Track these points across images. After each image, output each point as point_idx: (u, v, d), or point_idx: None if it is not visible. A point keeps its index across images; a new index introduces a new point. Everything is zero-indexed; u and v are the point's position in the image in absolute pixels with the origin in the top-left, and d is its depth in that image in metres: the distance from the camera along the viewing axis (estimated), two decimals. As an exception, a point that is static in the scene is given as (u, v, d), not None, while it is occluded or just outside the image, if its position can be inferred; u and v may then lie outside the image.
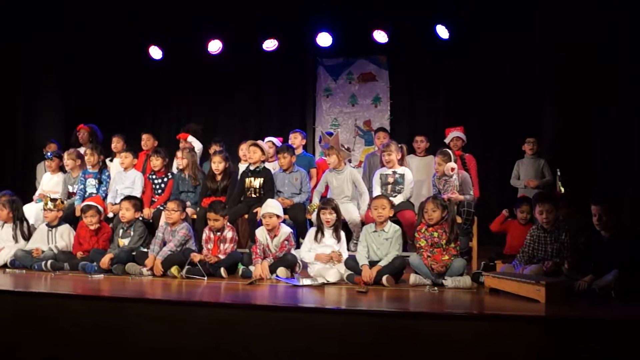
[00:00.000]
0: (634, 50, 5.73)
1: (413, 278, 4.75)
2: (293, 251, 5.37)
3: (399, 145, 6.33)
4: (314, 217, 5.62)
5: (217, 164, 6.27)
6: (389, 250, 4.91)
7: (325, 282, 4.80)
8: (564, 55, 6.79)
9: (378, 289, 4.61)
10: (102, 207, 6.01)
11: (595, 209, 4.31)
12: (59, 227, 5.99)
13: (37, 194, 6.93)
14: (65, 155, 6.88)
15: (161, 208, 6.21)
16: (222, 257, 5.34)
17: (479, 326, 3.56)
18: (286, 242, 5.32)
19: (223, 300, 4.31)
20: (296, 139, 7.12)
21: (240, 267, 5.34)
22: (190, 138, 7.11)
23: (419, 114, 8.89)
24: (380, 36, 8.33)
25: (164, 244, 5.53)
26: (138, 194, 6.36)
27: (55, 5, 8.37)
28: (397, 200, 5.92)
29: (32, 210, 6.49)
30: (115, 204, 6.29)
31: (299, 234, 5.87)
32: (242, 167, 6.78)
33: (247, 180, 6.24)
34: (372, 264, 4.85)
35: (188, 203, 6.25)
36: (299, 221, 5.98)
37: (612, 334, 3.35)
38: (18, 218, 6.13)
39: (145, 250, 5.59)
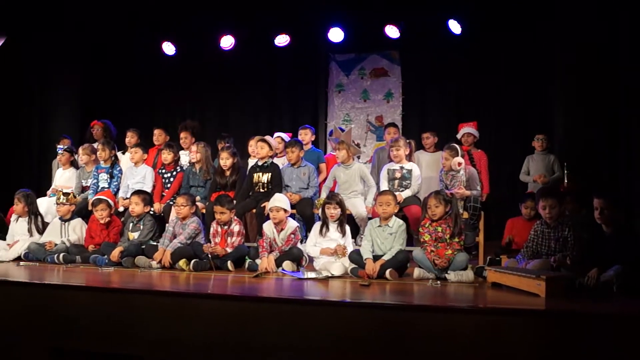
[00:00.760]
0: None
1: (417, 272, 4.77)
2: (299, 245, 5.43)
3: (408, 141, 6.35)
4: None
5: (225, 160, 6.35)
6: (393, 245, 4.94)
7: (330, 275, 4.84)
8: (574, 53, 6.73)
9: (381, 282, 4.64)
10: (112, 201, 6.12)
11: (598, 203, 4.30)
12: (71, 221, 6.13)
13: (50, 188, 7.07)
14: (80, 151, 7.02)
15: (171, 203, 6.31)
16: (229, 250, 5.41)
17: (479, 319, 3.57)
18: (292, 236, 5.38)
19: (230, 292, 4.37)
20: (306, 135, 7.16)
21: (247, 261, 5.41)
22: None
23: (430, 110, 8.86)
24: (392, 31, 8.33)
25: (174, 237, 5.61)
26: (148, 188, 6.46)
27: (71, 3, 8.49)
28: (405, 195, 5.95)
29: (43, 205, 6.63)
30: (126, 198, 6.39)
31: (307, 228, 5.92)
32: (251, 162, 6.84)
33: (255, 175, 6.31)
34: (376, 258, 4.88)
35: (197, 198, 6.34)
36: (306, 216, 6.03)
37: (612, 329, 3.35)
38: (33, 212, 6.29)
39: (155, 243, 5.67)
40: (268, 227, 5.47)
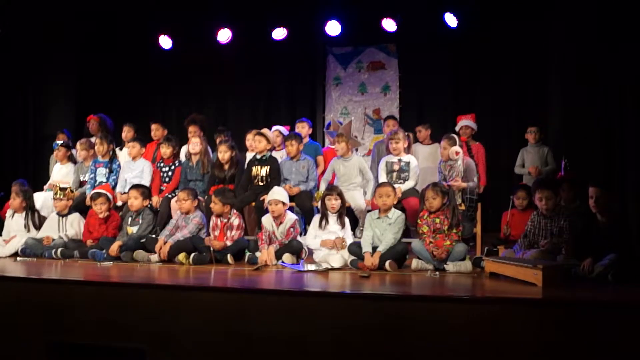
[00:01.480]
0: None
1: (415, 263, 4.80)
2: (299, 238, 5.44)
3: (406, 134, 6.37)
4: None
5: (223, 154, 6.34)
6: (389, 233, 4.96)
7: (330, 267, 4.87)
8: (570, 43, 6.74)
9: (381, 273, 4.67)
10: (111, 195, 6.12)
11: (592, 192, 4.33)
12: (69, 216, 6.12)
13: (47, 183, 7.07)
14: (78, 146, 7.02)
15: (169, 196, 6.32)
16: (229, 243, 5.43)
17: (477, 309, 3.60)
18: (292, 229, 5.40)
19: (229, 285, 4.39)
20: (303, 129, 7.16)
21: (247, 254, 5.43)
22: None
23: (428, 102, 8.86)
24: (389, 24, 8.30)
25: (177, 230, 5.64)
26: (147, 182, 6.46)
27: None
28: (404, 187, 5.97)
29: (39, 199, 6.61)
30: (124, 192, 6.39)
31: (307, 221, 5.94)
32: (249, 156, 6.84)
33: (253, 168, 6.32)
34: (376, 250, 4.90)
35: (196, 191, 6.38)
36: (305, 209, 6.05)
37: (608, 317, 3.38)
38: (30, 207, 6.27)
39: (155, 237, 5.68)
40: (267, 221, 5.49)
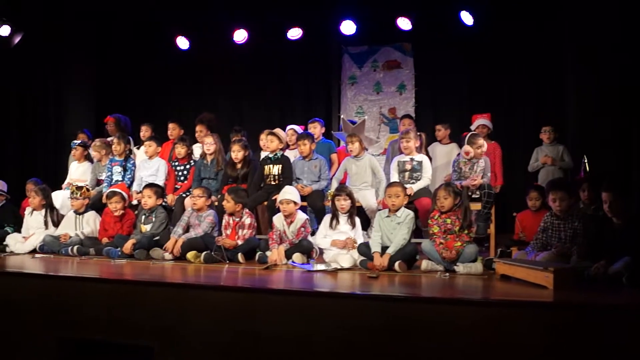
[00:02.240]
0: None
1: (425, 264, 4.77)
2: (309, 237, 5.44)
3: (418, 133, 6.34)
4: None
5: (237, 153, 6.36)
6: (398, 233, 4.93)
7: (339, 267, 4.86)
8: (587, 42, 6.64)
9: (390, 274, 4.65)
10: (126, 194, 6.19)
11: (606, 196, 4.25)
12: (85, 214, 6.22)
13: (65, 182, 7.17)
14: (92, 146, 7.12)
15: (184, 195, 6.37)
16: (240, 242, 5.45)
17: (487, 312, 3.55)
18: (302, 229, 5.40)
19: (240, 284, 4.39)
20: (315, 129, 7.15)
21: (258, 253, 5.44)
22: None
23: (443, 101, 8.83)
24: (404, 23, 8.28)
25: (188, 227, 5.68)
26: (162, 181, 6.53)
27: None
28: (416, 187, 5.93)
29: (58, 198, 6.72)
30: (140, 191, 6.44)
31: (318, 221, 5.93)
32: (263, 155, 6.86)
33: (266, 167, 6.34)
34: (385, 249, 4.88)
35: (210, 191, 6.42)
36: (317, 208, 6.06)
37: (620, 321, 3.31)
38: (48, 205, 6.38)
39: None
40: (278, 220, 5.50)
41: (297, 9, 8.58)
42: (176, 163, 6.78)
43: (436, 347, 3.54)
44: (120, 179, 6.73)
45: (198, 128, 7.28)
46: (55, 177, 7.91)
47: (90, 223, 6.17)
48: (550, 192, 4.64)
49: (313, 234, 5.61)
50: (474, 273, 4.57)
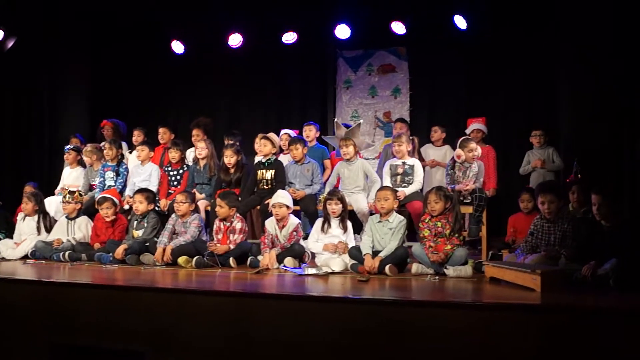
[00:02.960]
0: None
1: (415, 267, 4.77)
2: (301, 242, 5.45)
3: (411, 137, 6.36)
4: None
5: (229, 158, 6.36)
6: (391, 241, 4.94)
7: (330, 271, 4.86)
8: (579, 47, 6.66)
9: (380, 278, 4.65)
10: (117, 199, 6.19)
11: (595, 199, 4.27)
12: (77, 219, 6.20)
13: (58, 187, 7.17)
14: (83, 152, 7.11)
15: (178, 200, 6.38)
16: (232, 247, 5.45)
17: (475, 315, 3.57)
18: (294, 233, 5.40)
19: (231, 289, 4.39)
20: (310, 132, 7.15)
21: (249, 257, 5.44)
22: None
23: (438, 105, 8.81)
24: (399, 27, 8.27)
25: (173, 234, 5.67)
26: (154, 186, 6.52)
27: (80, 2, 8.58)
28: (408, 190, 5.94)
29: (52, 203, 6.71)
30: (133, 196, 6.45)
31: (311, 225, 5.93)
32: (257, 159, 6.87)
33: (259, 172, 6.35)
34: (376, 253, 4.88)
35: (203, 195, 6.41)
36: (310, 212, 6.06)
37: (607, 323, 3.32)
38: (41, 211, 6.37)
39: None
40: (270, 224, 5.51)
41: (292, 13, 8.58)
42: (169, 168, 6.78)
43: (427, 350, 3.55)
44: (113, 184, 6.72)
45: (195, 132, 7.27)
46: (49, 183, 7.91)
47: (82, 228, 6.16)
48: (540, 195, 4.65)
49: (306, 238, 5.61)
50: (463, 276, 4.57)
